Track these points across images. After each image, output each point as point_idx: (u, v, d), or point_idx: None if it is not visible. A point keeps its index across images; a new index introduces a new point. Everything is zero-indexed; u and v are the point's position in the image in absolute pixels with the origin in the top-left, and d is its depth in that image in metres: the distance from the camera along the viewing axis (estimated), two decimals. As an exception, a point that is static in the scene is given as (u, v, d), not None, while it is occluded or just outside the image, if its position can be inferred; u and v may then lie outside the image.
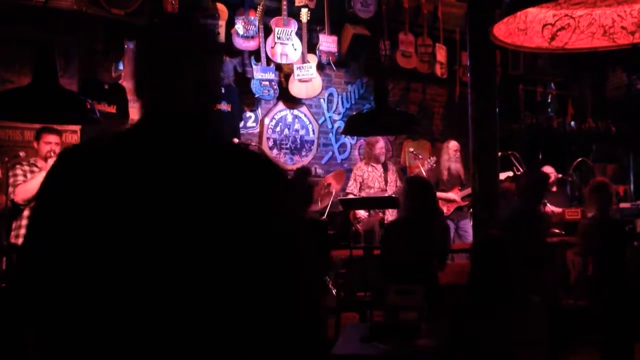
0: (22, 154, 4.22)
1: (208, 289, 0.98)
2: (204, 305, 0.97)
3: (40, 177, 4.07)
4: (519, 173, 5.60)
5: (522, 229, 3.50)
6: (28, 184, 4.05)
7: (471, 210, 5.87)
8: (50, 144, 4.18)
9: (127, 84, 5.19)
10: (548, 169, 5.86)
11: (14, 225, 4.12)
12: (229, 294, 0.98)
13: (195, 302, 0.97)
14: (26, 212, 4.12)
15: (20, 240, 4.06)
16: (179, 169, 1.02)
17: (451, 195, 5.72)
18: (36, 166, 4.18)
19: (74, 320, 0.99)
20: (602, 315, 3.75)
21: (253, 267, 0.99)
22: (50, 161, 4.12)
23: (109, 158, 1.04)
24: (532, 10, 2.19)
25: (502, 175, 5.54)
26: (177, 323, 0.97)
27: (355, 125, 4.25)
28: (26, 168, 4.17)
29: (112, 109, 4.96)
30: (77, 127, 4.88)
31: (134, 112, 5.20)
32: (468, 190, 5.73)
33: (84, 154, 1.07)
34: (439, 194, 5.77)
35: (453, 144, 5.90)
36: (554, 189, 5.80)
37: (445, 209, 5.74)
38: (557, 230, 4.65)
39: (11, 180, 4.04)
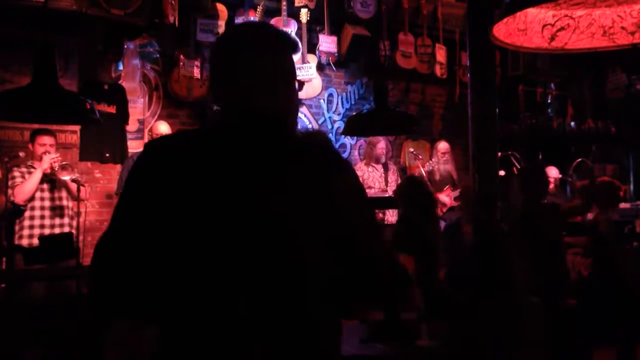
0: (22, 154, 4.23)
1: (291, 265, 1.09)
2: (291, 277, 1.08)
3: (37, 176, 4.07)
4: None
5: (527, 228, 3.48)
6: (26, 184, 4.06)
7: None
8: (45, 145, 4.19)
9: (127, 84, 5.19)
10: (552, 171, 5.86)
11: (17, 228, 4.13)
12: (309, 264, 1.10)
13: (283, 276, 1.08)
14: (27, 213, 4.13)
15: (23, 242, 4.06)
16: (259, 159, 1.11)
17: (442, 197, 5.73)
18: (33, 167, 4.18)
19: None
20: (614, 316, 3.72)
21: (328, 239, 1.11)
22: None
23: (200, 148, 1.13)
24: (531, 11, 2.19)
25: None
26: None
27: (355, 125, 4.24)
28: (24, 170, 4.17)
29: (112, 109, 4.97)
30: (77, 127, 4.89)
31: (134, 112, 5.21)
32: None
33: (174, 145, 1.16)
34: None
35: (442, 146, 5.91)
36: (551, 187, 5.79)
37: (438, 210, 5.77)
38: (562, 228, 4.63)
39: (10, 182, 4.05)
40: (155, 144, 1.18)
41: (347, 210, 1.14)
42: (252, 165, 1.11)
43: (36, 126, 4.29)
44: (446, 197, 5.73)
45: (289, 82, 1.25)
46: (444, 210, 5.74)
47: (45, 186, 4.17)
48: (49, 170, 4.11)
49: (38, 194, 4.14)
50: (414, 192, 3.46)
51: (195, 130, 1.23)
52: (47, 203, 4.19)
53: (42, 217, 4.16)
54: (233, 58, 1.20)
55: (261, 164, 1.11)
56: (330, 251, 1.11)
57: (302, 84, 5.67)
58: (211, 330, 1.06)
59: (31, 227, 4.12)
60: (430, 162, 5.87)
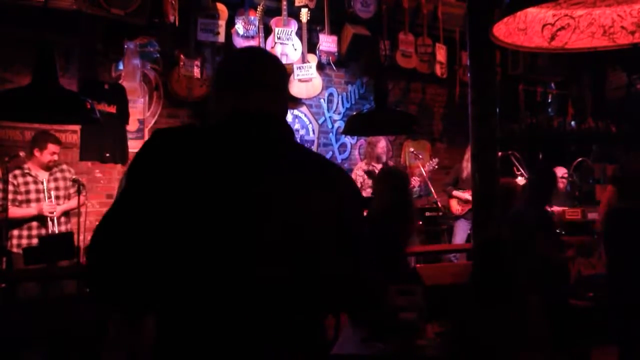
0: (22, 153, 4.22)
1: (285, 269, 1.11)
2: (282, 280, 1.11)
3: (30, 212, 4.10)
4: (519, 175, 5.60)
5: (531, 231, 3.47)
6: (19, 213, 4.09)
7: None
8: (55, 154, 4.21)
9: (127, 83, 5.19)
10: (560, 170, 5.86)
11: (16, 233, 4.13)
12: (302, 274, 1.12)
13: (275, 277, 1.10)
14: (26, 224, 4.14)
15: (19, 250, 4.06)
16: (266, 160, 1.15)
17: (466, 195, 5.72)
18: (30, 175, 4.17)
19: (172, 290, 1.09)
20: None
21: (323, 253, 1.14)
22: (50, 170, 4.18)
23: (205, 143, 1.16)
24: (531, 10, 2.19)
25: (520, 181, 5.54)
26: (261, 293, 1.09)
27: (356, 125, 4.24)
28: (20, 180, 4.14)
29: (112, 109, 4.97)
30: (77, 127, 4.89)
31: (134, 112, 5.21)
32: None
33: (180, 136, 1.17)
34: (455, 193, 5.79)
35: None
36: (561, 186, 5.80)
37: (460, 208, 5.76)
38: (557, 231, 4.65)
39: (8, 195, 4.04)
40: (163, 133, 1.18)
41: (345, 221, 1.18)
42: (258, 165, 1.14)
43: (36, 126, 4.29)
44: (469, 197, 5.69)
45: (287, 99, 1.38)
46: (466, 209, 5.73)
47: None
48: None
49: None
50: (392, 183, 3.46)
51: (203, 127, 1.24)
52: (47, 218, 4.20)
53: (41, 226, 4.17)
54: (252, 67, 1.29)
55: (267, 165, 1.15)
56: (321, 255, 1.15)
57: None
58: (207, 323, 1.08)
59: (29, 237, 4.13)
60: (431, 161, 5.86)
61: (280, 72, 1.34)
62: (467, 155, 5.79)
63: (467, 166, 5.78)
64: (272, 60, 1.34)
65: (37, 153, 4.19)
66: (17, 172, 4.16)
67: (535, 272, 3.07)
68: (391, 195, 3.41)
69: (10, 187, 4.07)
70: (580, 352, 3.73)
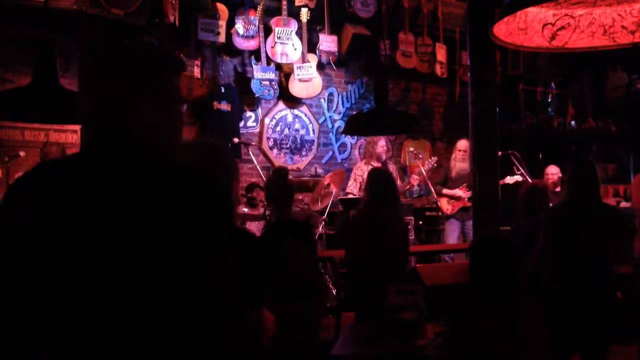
0: (22, 153, 4.22)
1: (139, 291, 1.04)
2: (136, 303, 1.04)
3: None
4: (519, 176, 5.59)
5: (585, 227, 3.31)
6: None
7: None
8: None
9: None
10: (553, 169, 5.86)
11: None
12: (159, 294, 1.06)
13: (130, 300, 1.04)
14: None
15: None
16: (109, 188, 1.07)
17: (457, 192, 5.70)
18: None
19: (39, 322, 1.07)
20: None
21: (176, 272, 1.06)
22: None
23: (55, 182, 1.09)
24: (532, 10, 2.19)
25: (511, 180, 5.53)
26: (120, 319, 1.04)
27: (356, 125, 4.24)
28: None
29: (112, 109, 4.96)
30: (77, 127, 4.89)
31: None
32: None
33: (34, 179, 1.11)
34: (445, 191, 5.78)
35: (460, 144, 5.83)
36: (558, 188, 5.79)
37: (450, 208, 5.74)
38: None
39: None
40: (18, 181, 1.13)
41: (191, 252, 1.08)
42: (99, 198, 1.06)
43: (36, 126, 4.29)
44: (461, 193, 5.68)
45: (162, 103, 1.19)
46: (456, 209, 5.72)
47: None
48: None
49: None
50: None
51: (59, 161, 1.18)
52: None
53: None
54: (97, 75, 1.16)
55: (109, 196, 1.07)
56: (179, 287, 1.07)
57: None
58: None
59: None
60: (430, 160, 5.86)
61: (144, 75, 1.17)
62: (454, 155, 5.84)
63: (455, 165, 5.81)
64: (134, 61, 1.17)
65: None
66: None
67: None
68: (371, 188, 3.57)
69: None
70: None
